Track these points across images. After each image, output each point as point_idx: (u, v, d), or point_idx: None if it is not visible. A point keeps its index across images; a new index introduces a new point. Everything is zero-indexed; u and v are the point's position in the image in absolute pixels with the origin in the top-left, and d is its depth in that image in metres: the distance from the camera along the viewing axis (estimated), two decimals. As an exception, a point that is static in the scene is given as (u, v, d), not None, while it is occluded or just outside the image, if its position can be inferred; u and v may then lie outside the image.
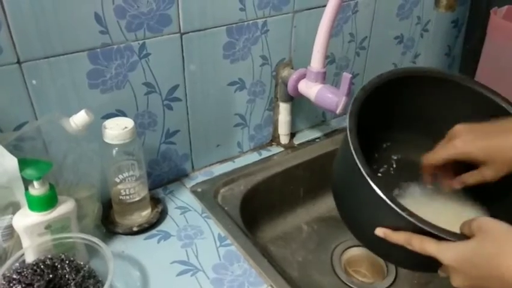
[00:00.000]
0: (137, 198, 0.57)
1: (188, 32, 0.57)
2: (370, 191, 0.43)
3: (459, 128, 0.47)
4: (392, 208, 0.42)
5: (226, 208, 0.62)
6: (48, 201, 0.47)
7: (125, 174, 0.54)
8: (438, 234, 0.41)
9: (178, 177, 0.67)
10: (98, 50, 0.51)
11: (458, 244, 0.40)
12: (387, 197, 0.43)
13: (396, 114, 0.58)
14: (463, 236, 0.41)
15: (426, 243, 0.41)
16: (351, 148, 0.47)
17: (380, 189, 0.43)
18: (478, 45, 0.80)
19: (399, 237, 0.43)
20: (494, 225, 0.39)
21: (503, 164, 0.45)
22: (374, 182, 0.43)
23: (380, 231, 0.45)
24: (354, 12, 0.73)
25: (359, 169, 0.44)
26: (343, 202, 0.55)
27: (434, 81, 0.56)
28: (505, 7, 0.78)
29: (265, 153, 0.74)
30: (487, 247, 0.38)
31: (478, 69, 0.80)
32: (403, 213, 0.42)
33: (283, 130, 0.75)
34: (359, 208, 0.50)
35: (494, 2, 0.83)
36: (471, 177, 0.49)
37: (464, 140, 0.47)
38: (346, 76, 0.59)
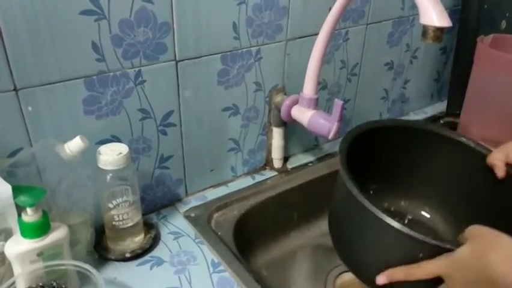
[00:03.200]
0: (130, 224, 0.57)
1: (183, 60, 0.58)
2: (368, 214, 0.45)
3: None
4: (391, 226, 0.43)
5: (219, 233, 0.62)
6: (41, 228, 0.46)
7: (119, 200, 0.54)
8: (437, 245, 0.42)
9: (172, 202, 0.67)
10: (95, 77, 0.52)
11: (453, 252, 0.42)
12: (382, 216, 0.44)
13: (379, 163, 0.61)
14: (458, 244, 0.43)
15: (424, 266, 0.43)
16: (343, 175, 0.48)
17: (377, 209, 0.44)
18: (465, 71, 0.83)
19: (399, 274, 0.45)
20: (483, 229, 0.43)
21: None
22: (370, 203, 0.45)
23: (382, 278, 0.45)
24: (345, 40, 0.75)
25: (355, 197, 0.46)
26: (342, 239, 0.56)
27: (415, 132, 0.61)
28: (491, 36, 0.80)
29: (258, 178, 0.74)
30: (476, 248, 0.41)
31: (466, 96, 0.82)
32: (405, 230, 0.43)
33: (276, 154, 0.76)
34: (360, 236, 0.51)
35: (481, 30, 0.86)
36: None
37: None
38: (338, 103, 0.60)
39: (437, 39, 0.46)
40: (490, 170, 0.54)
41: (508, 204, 0.53)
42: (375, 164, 0.60)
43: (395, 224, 0.44)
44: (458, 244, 0.43)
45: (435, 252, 0.43)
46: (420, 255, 0.44)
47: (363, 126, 0.59)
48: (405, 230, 0.43)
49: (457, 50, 0.92)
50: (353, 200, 0.47)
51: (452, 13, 0.89)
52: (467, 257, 0.41)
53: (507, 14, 0.92)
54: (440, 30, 0.46)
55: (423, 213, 0.65)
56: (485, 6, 0.87)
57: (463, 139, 0.59)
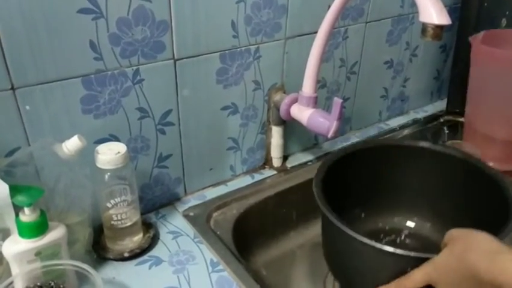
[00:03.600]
0: (129, 223, 0.56)
1: (182, 58, 0.58)
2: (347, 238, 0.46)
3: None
4: (375, 247, 0.45)
5: (218, 232, 0.62)
6: (39, 228, 0.46)
7: (117, 199, 0.54)
8: (419, 256, 0.44)
9: (171, 201, 0.67)
10: (92, 76, 0.52)
11: (435, 257, 0.43)
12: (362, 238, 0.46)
13: (363, 186, 0.63)
14: (439, 250, 0.44)
15: (412, 276, 0.44)
16: (321, 207, 0.51)
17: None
18: (465, 69, 0.82)
19: None
20: (460, 231, 0.44)
21: None
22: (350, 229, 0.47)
23: None
24: (345, 38, 0.75)
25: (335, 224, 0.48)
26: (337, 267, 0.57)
27: (388, 149, 0.64)
28: (482, 33, 0.80)
29: (257, 177, 0.74)
30: (456, 249, 0.42)
31: (468, 93, 0.81)
32: (385, 248, 0.45)
33: (275, 153, 0.75)
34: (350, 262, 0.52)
35: (480, 27, 0.85)
36: None
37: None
38: (337, 101, 0.60)
39: (437, 37, 0.46)
40: (471, 174, 0.56)
41: (494, 204, 0.54)
42: (360, 188, 0.62)
43: (374, 244, 0.45)
44: (439, 250, 0.44)
45: (421, 264, 0.44)
46: (408, 269, 0.45)
47: (335, 155, 0.60)
48: (385, 247, 0.45)
49: (457, 48, 0.91)
50: (334, 228, 0.48)
51: (451, 11, 0.89)
52: (449, 259, 0.42)
53: (507, 12, 0.92)
54: (439, 28, 0.46)
55: (417, 225, 0.66)
56: (485, 4, 0.87)
57: (440, 148, 0.62)
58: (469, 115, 0.83)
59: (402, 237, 0.66)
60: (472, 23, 0.87)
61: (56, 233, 0.48)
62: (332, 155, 0.60)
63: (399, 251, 0.44)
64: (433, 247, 0.47)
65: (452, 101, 0.94)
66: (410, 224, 0.66)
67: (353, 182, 0.61)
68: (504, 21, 0.92)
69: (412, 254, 0.44)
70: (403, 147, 0.64)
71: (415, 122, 0.93)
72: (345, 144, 0.84)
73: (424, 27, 0.46)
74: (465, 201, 0.58)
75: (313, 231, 0.78)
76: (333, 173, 0.57)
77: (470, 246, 0.40)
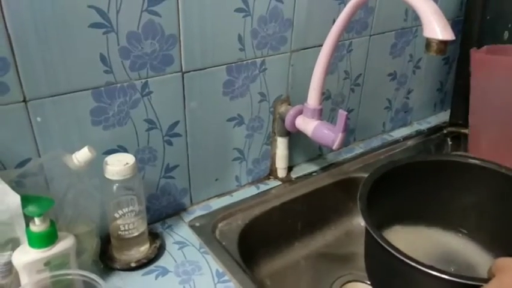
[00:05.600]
0: (136, 234, 0.57)
1: (189, 71, 0.59)
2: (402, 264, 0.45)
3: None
4: (422, 270, 0.44)
5: (224, 243, 0.63)
6: (49, 238, 0.47)
7: (125, 210, 0.55)
8: (462, 282, 0.42)
9: (177, 211, 0.67)
10: (102, 88, 0.53)
11: (484, 286, 0.41)
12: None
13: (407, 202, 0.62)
14: (485, 280, 0.42)
15: None
16: (369, 228, 0.49)
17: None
18: (468, 81, 0.83)
19: None
20: (510, 262, 0.41)
21: None
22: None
23: None
24: (349, 51, 0.76)
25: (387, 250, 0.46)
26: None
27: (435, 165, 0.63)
28: (484, 47, 0.81)
29: (263, 187, 0.75)
30: (506, 281, 0.40)
31: (470, 104, 0.82)
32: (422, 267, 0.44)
33: (280, 164, 0.76)
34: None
35: (483, 40, 0.87)
36: None
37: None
38: (342, 113, 0.61)
39: (441, 52, 0.47)
40: None
41: None
42: (402, 202, 0.61)
43: (422, 267, 0.44)
44: (486, 280, 0.42)
45: None
46: None
47: (380, 170, 0.60)
48: (431, 271, 0.43)
49: (460, 61, 0.92)
50: (378, 246, 0.47)
51: (454, 24, 0.90)
52: None
53: (510, 25, 0.93)
54: (443, 43, 0.47)
55: (463, 244, 0.64)
56: (488, 17, 0.88)
57: (489, 164, 0.61)
58: (473, 126, 0.84)
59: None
60: (474, 36, 0.88)
61: (65, 243, 0.48)
62: (380, 168, 0.60)
63: (446, 276, 0.43)
64: (479, 268, 0.46)
65: (455, 112, 0.94)
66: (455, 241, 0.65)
67: (396, 196, 0.60)
68: (506, 34, 0.93)
69: (459, 280, 0.42)
70: (451, 162, 0.63)
71: (419, 133, 0.94)
72: (349, 155, 0.84)
73: (428, 42, 0.47)
74: None
75: (318, 241, 0.79)
76: (377, 187, 0.57)
77: None
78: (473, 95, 0.81)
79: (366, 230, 0.51)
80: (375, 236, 0.48)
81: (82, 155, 0.50)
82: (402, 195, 0.61)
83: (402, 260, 0.45)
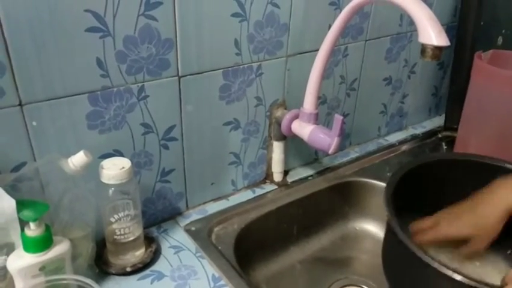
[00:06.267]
0: (131, 238, 0.57)
1: (186, 75, 0.59)
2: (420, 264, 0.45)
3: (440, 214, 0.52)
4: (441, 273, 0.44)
5: (220, 247, 0.63)
6: (44, 243, 0.47)
7: (121, 214, 0.55)
8: (473, 285, 0.42)
9: (173, 215, 0.67)
10: (99, 92, 0.53)
11: None
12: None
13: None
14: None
15: None
16: (394, 227, 0.49)
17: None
18: (463, 86, 0.84)
19: None
20: None
21: (485, 233, 0.51)
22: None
23: None
24: (345, 56, 0.76)
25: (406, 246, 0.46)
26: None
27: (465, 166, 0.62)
28: (490, 51, 0.81)
29: (258, 191, 0.75)
30: None
31: (464, 110, 0.83)
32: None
33: (276, 168, 0.76)
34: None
35: (478, 45, 0.87)
36: (465, 250, 0.54)
37: (447, 223, 0.54)
38: (338, 118, 0.61)
39: (436, 57, 0.47)
40: None
41: None
42: (427, 201, 0.60)
43: (436, 266, 0.44)
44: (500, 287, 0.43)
45: None
46: None
47: (408, 165, 0.59)
48: (444, 270, 0.43)
49: (454, 66, 0.93)
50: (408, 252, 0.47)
51: (449, 29, 0.91)
52: None
53: (503, 31, 0.94)
54: (438, 49, 0.47)
55: None
56: (482, 22, 0.89)
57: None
58: (462, 134, 0.84)
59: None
60: (468, 41, 0.89)
61: (60, 248, 0.48)
62: (405, 165, 0.60)
63: (459, 278, 0.43)
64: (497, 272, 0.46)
65: (449, 117, 0.95)
66: None
67: (421, 195, 0.60)
68: (500, 40, 0.95)
69: (472, 283, 0.42)
70: (481, 164, 0.63)
71: (414, 137, 0.94)
72: (344, 159, 0.85)
73: (423, 48, 0.48)
74: None
75: (314, 245, 0.79)
76: (403, 185, 0.57)
77: None
78: (468, 103, 0.81)
79: (389, 229, 0.51)
80: (399, 236, 0.48)
81: (77, 159, 0.50)
82: (427, 195, 0.60)
83: (420, 258, 0.45)
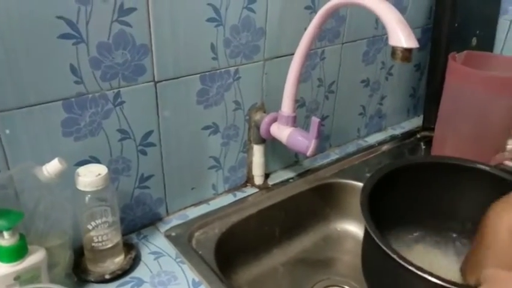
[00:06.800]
0: (110, 245, 0.56)
1: (162, 81, 0.59)
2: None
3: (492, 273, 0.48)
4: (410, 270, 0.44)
5: (200, 252, 0.62)
6: (18, 252, 0.46)
7: (98, 221, 0.54)
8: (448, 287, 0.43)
9: (152, 221, 0.67)
10: (73, 99, 0.52)
11: None
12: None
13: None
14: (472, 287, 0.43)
15: None
16: (369, 229, 0.49)
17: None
18: (439, 87, 0.85)
19: None
20: (500, 273, 0.42)
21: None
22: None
23: None
24: (322, 59, 0.77)
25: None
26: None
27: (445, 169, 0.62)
28: (464, 52, 0.83)
29: (240, 195, 0.75)
30: None
31: (440, 110, 0.84)
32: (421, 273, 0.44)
33: (257, 171, 0.77)
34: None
35: (453, 46, 0.89)
36: None
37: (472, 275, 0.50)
38: (315, 120, 0.62)
39: (406, 59, 0.48)
40: None
41: None
42: (405, 205, 0.61)
43: (412, 268, 0.44)
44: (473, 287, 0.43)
45: None
46: None
47: (384, 169, 0.60)
48: (420, 272, 0.44)
49: (430, 67, 0.95)
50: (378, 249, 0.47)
51: (424, 31, 0.93)
52: None
53: (477, 32, 0.96)
54: (408, 51, 0.48)
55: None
56: (456, 24, 0.91)
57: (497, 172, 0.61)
58: (438, 134, 0.86)
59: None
60: (443, 43, 0.91)
61: (35, 257, 0.48)
62: (379, 171, 0.60)
63: (433, 279, 0.43)
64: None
65: (427, 117, 0.97)
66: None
67: (397, 199, 0.60)
68: (474, 41, 0.97)
69: (446, 285, 0.43)
70: (457, 166, 0.63)
71: (393, 138, 0.96)
72: (324, 161, 0.85)
73: (393, 50, 0.49)
74: None
75: (296, 247, 0.79)
76: (378, 189, 0.57)
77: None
78: (444, 102, 0.83)
79: (366, 231, 0.52)
80: (373, 237, 0.48)
81: (52, 167, 0.49)
82: (403, 198, 0.61)
83: (394, 259, 0.45)
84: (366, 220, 0.50)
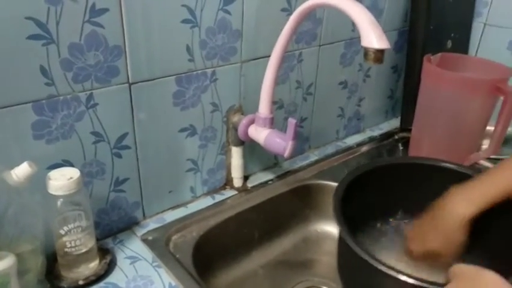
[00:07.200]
0: (83, 250, 0.55)
1: (137, 82, 0.58)
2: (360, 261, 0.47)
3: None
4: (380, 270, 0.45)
5: (177, 256, 0.62)
6: (-15, 258, 0.45)
7: (71, 226, 0.53)
8: (421, 285, 0.43)
9: (129, 225, 0.66)
10: (44, 101, 0.51)
11: None
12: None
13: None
14: (442, 285, 0.43)
15: None
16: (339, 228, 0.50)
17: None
18: (416, 89, 0.87)
19: None
20: (468, 268, 0.43)
21: (450, 248, 0.54)
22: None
23: None
24: (300, 61, 0.77)
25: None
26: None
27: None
28: (439, 54, 0.85)
29: (218, 197, 0.74)
30: (461, 287, 0.42)
31: (416, 111, 0.86)
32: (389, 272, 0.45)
33: (236, 173, 0.76)
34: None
35: (429, 49, 0.91)
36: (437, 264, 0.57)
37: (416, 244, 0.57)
38: (291, 122, 0.62)
39: (378, 60, 0.49)
40: None
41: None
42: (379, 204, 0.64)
43: (382, 268, 0.45)
44: (442, 285, 0.43)
45: None
46: None
47: (353, 173, 0.61)
48: (390, 271, 0.45)
49: (407, 69, 0.96)
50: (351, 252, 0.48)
51: (401, 33, 0.94)
52: None
53: (452, 34, 0.98)
54: (380, 52, 0.49)
55: None
56: (431, 27, 0.92)
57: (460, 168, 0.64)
58: (415, 135, 0.87)
59: None
60: (419, 45, 0.92)
61: (4, 263, 0.46)
62: (350, 174, 0.61)
63: (403, 277, 0.44)
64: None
65: (405, 118, 0.98)
66: None
67: (372, 199, 0.62)
68: (450, 43, 0.99)
69: (416, 282, 0.44)
70: (425, 165, 0.65)
71: (371, 139, 0.97)
72: (304, 162, 0.86)
73: (366, 51, 0.49)
74: (482, 226, 0.54)
75: (276, 250, 0.79)
76: (351, 190, 0.58)
77: (478, 284, 0.40)
78: (420, 104, 0.84)
79: (340, 234, 0.52)
80: (345, 239, 0.49)
81: (21, 171, 0.48)
82: (376, 197, 0.63)
83: (365, 260, 0.46)
84: (338, 221, 0.51)
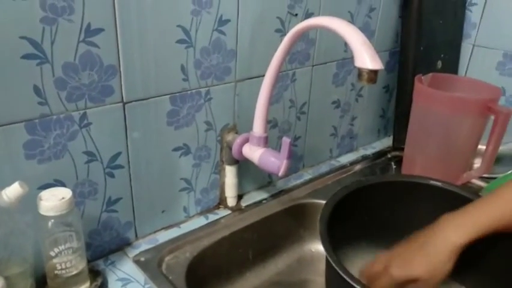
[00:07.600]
0: (74, 272, 0.54)
1: (131, 101, 0.58)
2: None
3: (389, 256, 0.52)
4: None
5: (170, 277, 0.61)
6: (-28, 282, 0.43)
7: (62, 247, 0.52)
8: None
9: (121, 246, 0.65)
10: (36, 120, 0.51)
11: None
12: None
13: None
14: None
15: None
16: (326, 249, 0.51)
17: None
18: (407, 108, 0.88)
19: None
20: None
21: (435, 276, 0.52)
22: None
23: None
24: (293, 81, 0.78)
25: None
26: None
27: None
28: (430, 74, 0.86)
29: (212, 217, 0.74)
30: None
31: (408, 131, 0.86)
32: None
33: (230, 193, 0.76)
34: None
35: (419, 69, 0.92)
36: None
37: (397, 267, 0.54)
38: (285, 141, 0.62)
39: (371, 80, 0.49)
40: None
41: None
42: (367, 223, 0.63)
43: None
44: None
45: None
46: None
47: (338, 194, 0.62)
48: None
49: (399, 89, 0.97)
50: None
51: (392, 54, 0.96)
52: None
53: (442, 55, 1.00)
54: (373, 72, 0.49)
55: None
56: (421, 48, 0.94)
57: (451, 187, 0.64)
58: (408, 154, 0.88)
59: None
60: (410, 66, 0.94)
61: (-9, 287, 0.45)
62: (339, 192, 0.62)
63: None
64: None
65: (397, 137, 0.99)
66: None
67: (356, 219, 0.62)
68: (440, 63, 1.01)
69: None
70: (414, 184, 0.65)
71: (364, 158, 0.97)
72: (298, 181, 0.85)
73: (360, 72, 0.50)
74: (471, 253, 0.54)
75: (271, 270, 0.78)
76: (339, 209, 0.58)
77: None
78: (412, 123, 0.85)
79: (326, 258, 0.53)
80: (331, 262, 0.49)
81: (12, 191, 0.47)
82: (364, 217, 0.63)
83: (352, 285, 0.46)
84: (324, 245, 0.51)
